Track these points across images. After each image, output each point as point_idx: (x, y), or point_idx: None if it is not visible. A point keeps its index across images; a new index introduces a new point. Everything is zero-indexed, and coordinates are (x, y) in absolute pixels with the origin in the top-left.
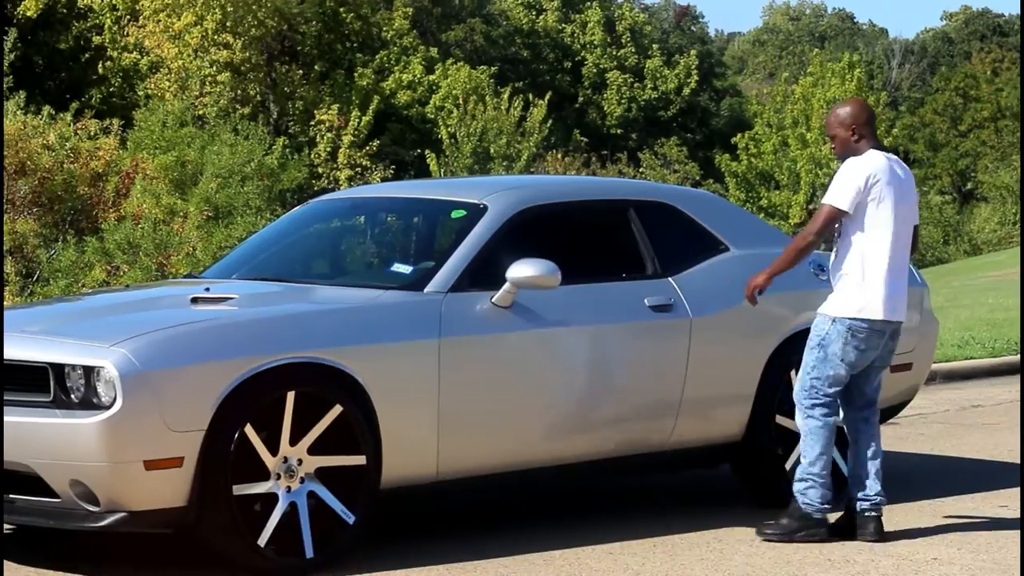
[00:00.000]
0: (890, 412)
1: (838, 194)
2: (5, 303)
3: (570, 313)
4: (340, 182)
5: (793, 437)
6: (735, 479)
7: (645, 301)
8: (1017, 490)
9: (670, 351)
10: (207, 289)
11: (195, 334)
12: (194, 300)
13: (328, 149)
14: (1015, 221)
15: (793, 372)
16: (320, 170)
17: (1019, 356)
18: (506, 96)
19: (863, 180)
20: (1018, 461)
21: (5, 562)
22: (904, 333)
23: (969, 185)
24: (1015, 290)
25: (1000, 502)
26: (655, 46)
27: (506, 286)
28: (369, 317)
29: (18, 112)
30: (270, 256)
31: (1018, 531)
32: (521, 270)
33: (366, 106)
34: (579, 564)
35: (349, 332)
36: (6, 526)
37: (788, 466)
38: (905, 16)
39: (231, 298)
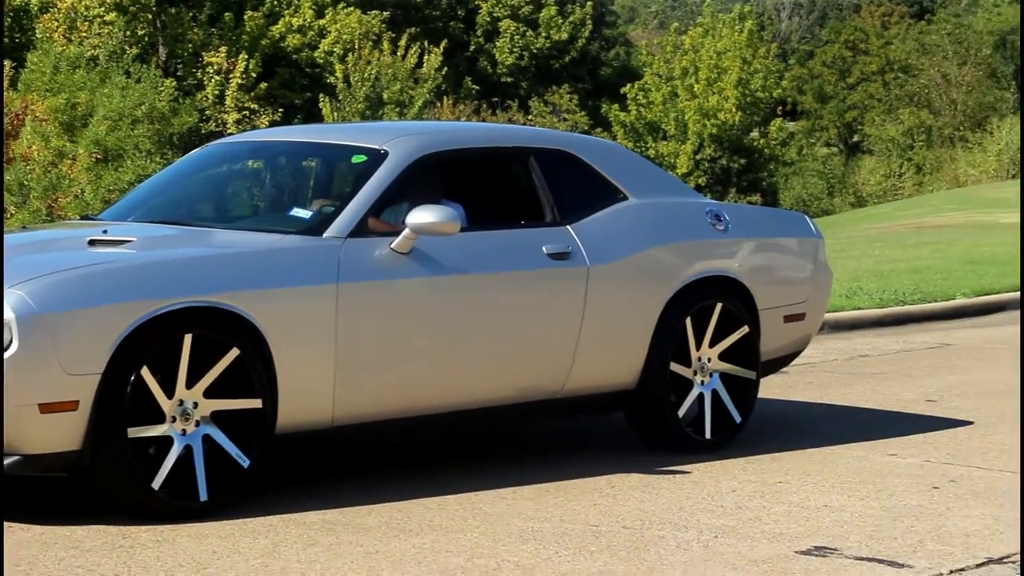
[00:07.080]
0: (783, 361)
1: None
2: None
3: (468, 260)
4: (228, 125)
5: (687, 384)
6: (628, 426)
7: (543, 249)
8: (904, 438)
9: (566, 299)
10: (105, 231)
11: (93, 277)
12: (91, 242)
13: (216, 92)
14: (900, 174)
15: (688, 320)
16: (208, 113)
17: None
18: (403, 43)
19: None
20: (905, 410)
21: None
22: (798, 283)
23: (856, 137)
24: (901, 242)
25: (889, 450)
26: None
27: (405, 232)
28: (267, 261)
29: None
30: (168, 199)
31: (902, 477)
32: (420, 216)
33: (255, 50)
34: (472, 509)
35: (247, 276)
36: None
37: (681, 413)
38: None
39: (129, 241)
